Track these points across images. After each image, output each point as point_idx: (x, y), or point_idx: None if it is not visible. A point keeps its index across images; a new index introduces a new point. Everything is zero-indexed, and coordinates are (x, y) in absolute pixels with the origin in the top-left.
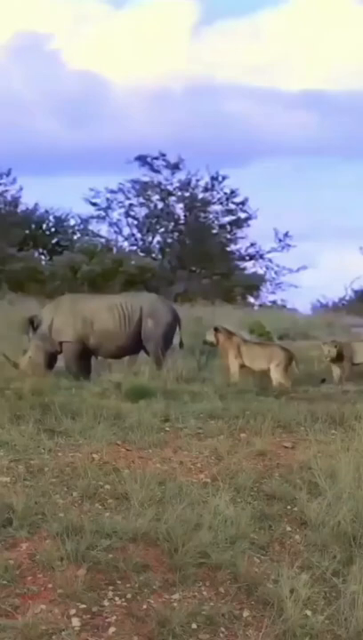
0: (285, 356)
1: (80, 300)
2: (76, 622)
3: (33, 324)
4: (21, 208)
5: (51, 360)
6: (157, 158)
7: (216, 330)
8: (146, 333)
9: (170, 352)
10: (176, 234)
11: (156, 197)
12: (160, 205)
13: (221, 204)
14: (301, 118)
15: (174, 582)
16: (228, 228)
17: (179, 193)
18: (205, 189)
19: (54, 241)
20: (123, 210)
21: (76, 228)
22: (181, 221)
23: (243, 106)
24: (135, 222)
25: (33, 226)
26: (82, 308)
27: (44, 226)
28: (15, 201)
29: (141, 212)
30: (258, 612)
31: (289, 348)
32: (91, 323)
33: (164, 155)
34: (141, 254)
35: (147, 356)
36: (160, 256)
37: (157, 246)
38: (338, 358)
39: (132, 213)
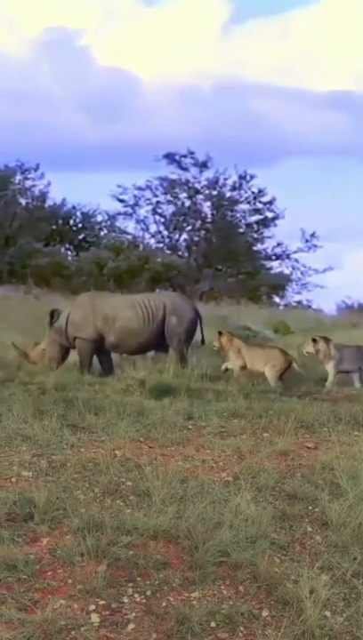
0: (283, 359)
1: (101, 297)
2: (95, 618)
3: (53, 317)
4: (49, 203)
5: (64, 354)
6: (185, 156)
7: (219, 334)
8: (169, 330)
9: (194, 350)
10: (203, 232)
11: (183, 195)
12: (187, 203)
13: (249, 203)
14: (328, 119)
15: (194, 580)
16: (255, 227)
17: (206, 191)
18: (233, 188)
19: (81, 237)
20: (150, 207)
21: (103, 224)
22: (208, 220)
23: (271, 105)
24: (162, 220)
25: (60, 221)
26: (103, 305)
27: (71, 221)
28: (43, 196)
29: (169, 209)
30: (277, 612)
31: (290, 353)
32: (112, 320)
33: (192, 153)
34: (168, 252)
35: (165, 353)
36: (186, 254)
37: (184, 244)
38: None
39: (159, 211)
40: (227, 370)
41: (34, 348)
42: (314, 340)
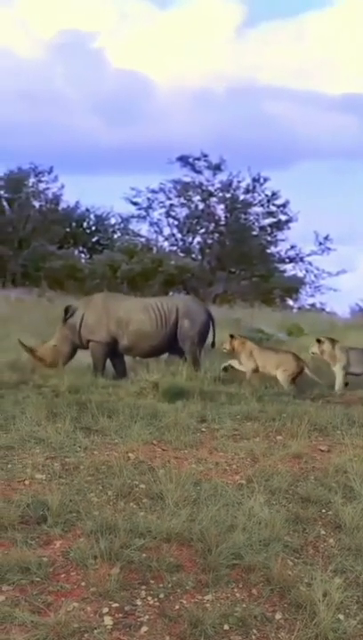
0: (295, 364)
1: (114, 300)
2: (108, 621)
3: (67, 312)
4: (62, 206)
5: (73, 352)
6: (198, 159)
7: (232, 337)
8: (182, 333)
9: (207, 353)
10: (216, 235)
11: (197, 198)
12: (201, 206)
13: (262, 205)
14: (342, 121)
15: (207, 583)
16: (268, 230)
17: (220, 194)
18: (247, 191)
19: (94, 239)
20: (163, 210)
21: (117, 226)
22: (222, 222)
23: (285, 108)
24: (176, 222)
25: (73, 224)
26: (116, 308)
27: (85, 224)
28: (56, 199)
29: (182, 212)
30: (290, 615)
31: (302, 358)
32: (126, 323)
33: (206, 155)
34: (181, 254)
35: (179, 356)
36: (200, 257)
37: (197, 247)
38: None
39: (172, 213)
40: (226, 369)
41: (42, 345)
42: (318, 341)
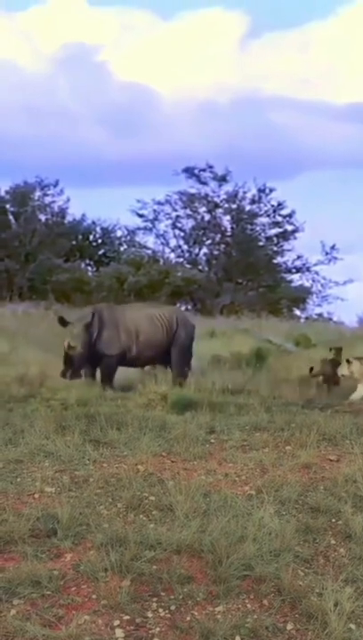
0: None
1: (120, 312)
2: (119, 633)
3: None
4: (68, 219)
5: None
6: (204, 170)
7: (348, 361)
8: (178, 343)
9: (216, 365)
10: (223, 246)
11: (203, 209)
12: (207, 217)
13: (268, 216)
14: (347, 131)
15: (218, 594)
16: (274, 240)
17: (226, 205)
18: (252, 201)
19: (101, 252)
20: (170, 221)
21: (123, 239)
22: (228, 233)
23: (290, 118)
24: (182, 234)
25: (80, 237)
26: (124, 319)
27: (91, 237)
28: (62, 212)
29: (188, 223)
30: (302, 625)
31: None
32: (136, 334)
33: (211, 166)
34: (188, 266)
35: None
36: (206, 268)
37: (204, 258)
38: None
39: (178, 225)
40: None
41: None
42: (348, 362)
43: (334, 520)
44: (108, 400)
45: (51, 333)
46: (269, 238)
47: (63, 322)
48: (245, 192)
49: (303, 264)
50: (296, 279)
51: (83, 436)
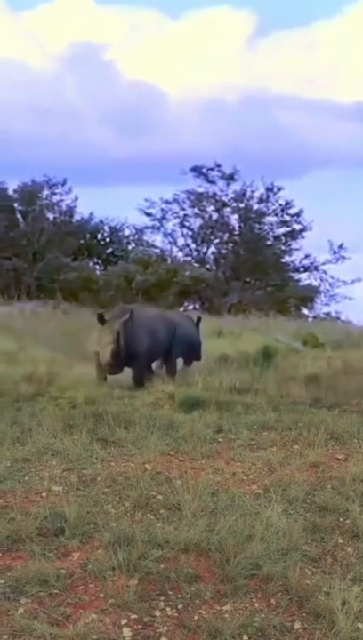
0: None
1: (140, 312)
2: (127, 632)
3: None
4: (76, 218)
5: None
6: (212, 169)
7: None
8: (177, 344)
9: (223, 364)
10: (231, 245)
11: (210, 208)
12: (215, 216)
13: (276, 215)
14: (354, 130)
15: (226, 593)
16: (282, 239)
17: (234, 204)
18: (260, 200)
19: (109, 251)
20: (177, 220)
21: (131, 238)
22: (236, 232)
23: (297, 117)
24: (190, 233)
25: (88, 235)
26: (145, 319)
27: (99, 236)
28: (70, 211)
29: (196, 222)
30: (309, 624)
31: None
32: (153, 333)
33: (219, 165)
34: (196, 265)
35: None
36: (214, 267)
37: (212, 257)
38: None
39: (186, 224)
40: None
41: None
42: None
43: (341, 519)
44: (116, 399)
45: (59, 332)
46: (276, 237)
47: (102, 319)
48: (252, 191)
49: (311, 263)
50: (304, 278)
51: (90, 434)
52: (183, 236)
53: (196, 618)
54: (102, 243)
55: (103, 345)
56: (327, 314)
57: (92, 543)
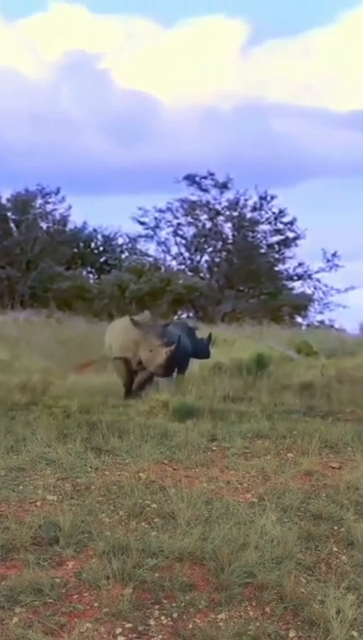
0: None
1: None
2: None
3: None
4: (70, 226)
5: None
6: (205, 177)
7: None
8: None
9: (217, 373)
10: (224, 253)
11: (204, 217)
12: (208, 225)
13: (270, 223)
14: (349, 138)
15: (220, 602)
16: (276, 247)
17: (227, 212)
18: (254, 209)
19: (102, 259)
20: (171, 229)
21: (124, 246)
22: (230, 241)
23: (292, 125)
24: (183, 241)
25: (81, 244)
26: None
27: (93, 244)
28: (64, 219)
29: (190, 231)
30: (304, 633)
31: None
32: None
33: (212, 174)
34: (189, 273)
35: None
36: (208, 275)
37: (205, 265)
38: None
39: (180, 232)
40: None
41: None
42: None
43: (336, 527)
44: (110, 407)
45: (53, 341)
46: (270, 246)
47: (136, 323)
48: (246, 199)
49: (305, 271)
50: (298, 286)
51: (84, 443)
52: (177, 244)
53: (190, 626)
54: (96, 251)
55: (153, 348)
56: (321, 322)
57: (86, 552)
